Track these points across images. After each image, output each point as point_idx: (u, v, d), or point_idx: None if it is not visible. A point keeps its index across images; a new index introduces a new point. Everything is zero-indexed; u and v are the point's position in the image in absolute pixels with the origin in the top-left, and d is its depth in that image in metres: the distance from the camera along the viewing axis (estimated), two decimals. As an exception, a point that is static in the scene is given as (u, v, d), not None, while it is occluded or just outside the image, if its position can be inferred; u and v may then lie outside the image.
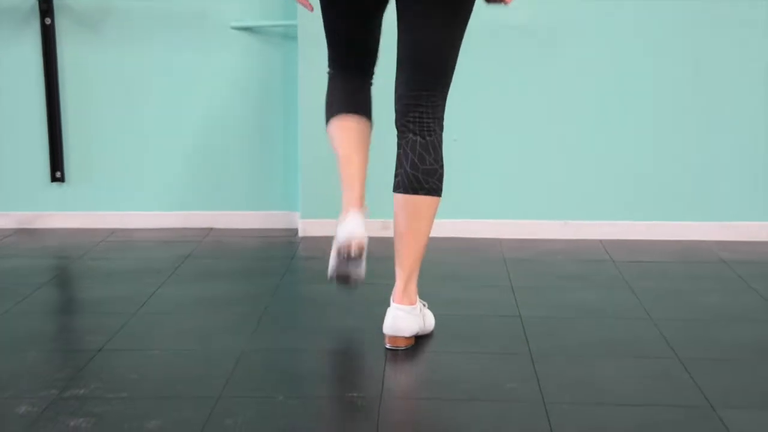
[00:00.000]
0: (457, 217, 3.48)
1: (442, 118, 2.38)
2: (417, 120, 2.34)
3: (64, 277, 3.10)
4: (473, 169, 3.46)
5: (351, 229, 2.30)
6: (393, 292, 2.38)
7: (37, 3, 3.47)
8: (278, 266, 3.11)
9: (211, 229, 3.60)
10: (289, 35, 3.49)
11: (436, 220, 3.39)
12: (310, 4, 2.41)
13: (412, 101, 2.33)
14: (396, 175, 2.37)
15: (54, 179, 3.60)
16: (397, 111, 2.37)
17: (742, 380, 2.19)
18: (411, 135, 2.34)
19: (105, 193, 3.62)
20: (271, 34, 3.53)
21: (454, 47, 2.32)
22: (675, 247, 3.37)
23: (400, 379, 2.23)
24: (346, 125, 2.40)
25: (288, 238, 3.49)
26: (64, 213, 3.63)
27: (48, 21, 3.48)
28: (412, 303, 2.37)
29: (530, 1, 3.32)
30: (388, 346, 2.35)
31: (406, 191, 2.34)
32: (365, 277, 2.41)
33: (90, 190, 3.62)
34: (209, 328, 2.52)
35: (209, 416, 1.97)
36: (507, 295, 2.79)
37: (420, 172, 2.33)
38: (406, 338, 2.36)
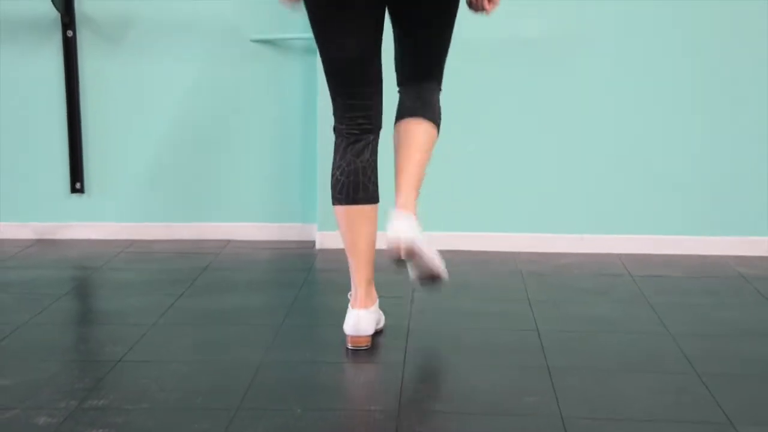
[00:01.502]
0: (473, 230, 3.48)
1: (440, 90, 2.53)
2: (421, 87, 2.48)
3: (84, 287, 3.12)
4: (489, 183, 3.47)
5: (356, 328, 2.41)
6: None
7: (59, 16, 3.50)
8: (296, 278, 3.12)
9: (229, 240, 3.62)
10: (309, 48, 3.51)
11: (452, 233, 3.46)
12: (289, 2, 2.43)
13: (413, 78, 2.47)
14: (396, 114, 2.47)
15: (74, 190, 3.63)
16: (399, 75, 2.49)
17: (762, 396, 2.18)
18: (413, 89, 2.48)
19: (124, 205, 3.65)
20: (291, 47, 3.55)
21: (449, 41, 2.47)
22: (693, 261, 3.36)
23: (417, 392, 2.23)
24: (352, 218, 2.42)
25: (305, 251, 3.50)
26: (83, 224, 3.65)
27: (70, 33, 3.52)
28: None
29: (544, 15, 3.33)
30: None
31: (404, 117, 2.45)
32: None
33: (109, 202, 3.65)
34: (227, 340, 2.53)
35: (227, 428, 1.98)
36: (524, 309, 2.79)
37: (419, 107, 2.44)
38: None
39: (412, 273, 2.44)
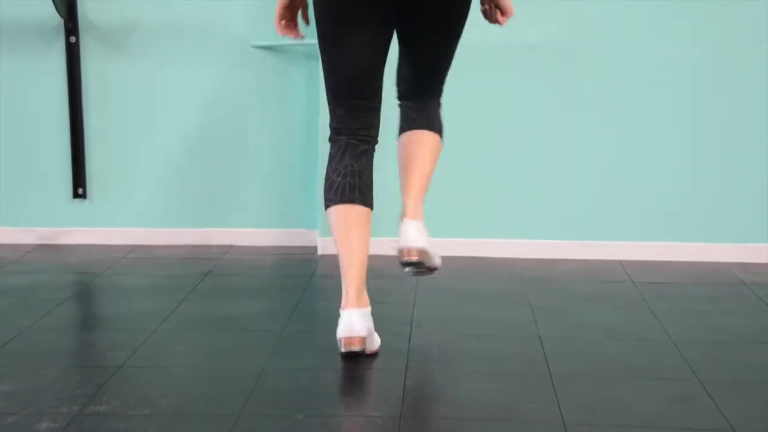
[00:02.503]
0: (474, 237, 3.48)
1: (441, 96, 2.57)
2: (422, 98, 2.52)
3: (86, 293, 3.12)
4: (491, 189, 3.47)
5: (349, 328, 2.34)
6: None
7: (62, 21, 3.51)
8: (298, 284, 3.12)
9: (231, 246, 3.62)
10: (311, 54, 3.51)
11: (453, 239, 3.46)
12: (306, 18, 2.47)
13: (419, 93, 2.50)
14: (399, 128, 2.50)
15: (76, 195, 3.63)
16: (402, 90, 2.52)
17: (765, 403, 2.18)
18: (414, 102, 2.50)
19: (126, 210, 3.65)
20: (292, 52, 3.56)
21: (454, 54, 2.50)
22: (695, 268, 3.36)
23: (419, 398, 2.23)
24: (346, 219, 2.38)
25: (307, 256, 3.50)
26: (85, 229, 3.66)
27: (73, 39, 3.52)
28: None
29: (547, 21, 3.34)
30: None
31: (409, 129, 2.48)
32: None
33: (111, 207, 3.65)
34: (229, 346, 2.53)
35: (229, 434, 1.98)
36: (526, 315, 2.79)
37: (423, 118, 2.47)
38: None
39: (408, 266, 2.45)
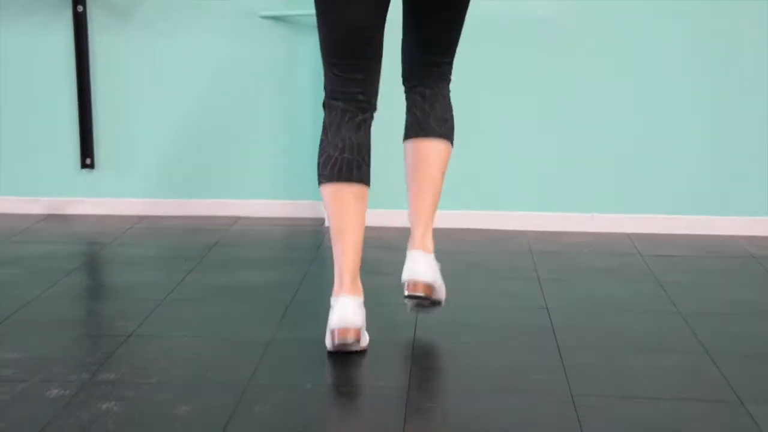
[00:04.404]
0: (482, 209, 3.48)
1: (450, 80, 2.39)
2: (430, 79, 2.33)
3: (94, 263, 3.13)
4: (499, 161, 3.46)
5: (344, 317, 2.18)
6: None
7: (69, -9, 3.50)
8: (305, 255, 3.12)
9: (239, 217, 3.62)
10: (318, 25, 3.49)
11: (461, 211, 3.46)
12: None
13: (426, 68, 2.32)
14: (405, 125, 2.32)
15: (84, 166, 3.64)
16: (408, 71, 2.34)
17: (771, 376, 2.18)
18: (422, 88, 2.32)
19: (134, 180, 3.65)
20: (301, 23, 3.54)
21: (462, 27, 2.33)
22: (703, 241, 3.35)
23: (427, 369, 2.24)
24: (343, 198, 2.21)
25: (315, 228, 3.50)
26: (93, 199, 3.66)
27: (80, 8, 3.51)
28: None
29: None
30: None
31: (416, 135, 2.29)
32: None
33: (119, 177, 3.65)
34: (237, 316, 2.54)
35: (237, 403, 1.99)
36: (534, 288, 2.79)
37: (431, 117, 2.28)
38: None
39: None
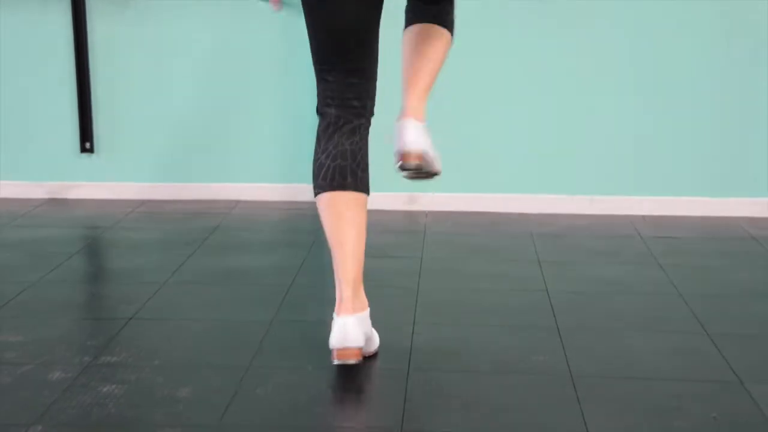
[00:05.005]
0: (483, 192, 3.47)
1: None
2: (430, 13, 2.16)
3: (95, 246, 3.13)
4: (499, 144, 3.45)
5: (344, 338, 2.04)
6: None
7: (68, -26, 3.49)
8: (306, 238, 3.12)
9: (239, 201, 3.62)
10: (317, 8, 3.48)
11: (462, 194, 3.45)
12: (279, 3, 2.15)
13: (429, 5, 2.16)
14: (406, 20, 2.15)
15: (83, 150, 3.63)
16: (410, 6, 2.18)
17: (771, 356, 2.19)
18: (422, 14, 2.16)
19: (134, 164, 3.65)
20: (299, 7, 3.50)
21: None
22: (704, 223, 3.35)
23: (427, 351, 2.24)
24: (337, 207, 2.08)
25: (315, 211, 3.46)
26: (93, 183, 3.66)
27: (78, -8, 3.50)
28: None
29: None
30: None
31: (418, 21, 2.12)
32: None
33: (119, 161, 3.65)
34: (238, 299, 2.54)
35: (239, 385, 1.99)
36: (534, 270, 2.79)
37: (434, 10, 2.12)
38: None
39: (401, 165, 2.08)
